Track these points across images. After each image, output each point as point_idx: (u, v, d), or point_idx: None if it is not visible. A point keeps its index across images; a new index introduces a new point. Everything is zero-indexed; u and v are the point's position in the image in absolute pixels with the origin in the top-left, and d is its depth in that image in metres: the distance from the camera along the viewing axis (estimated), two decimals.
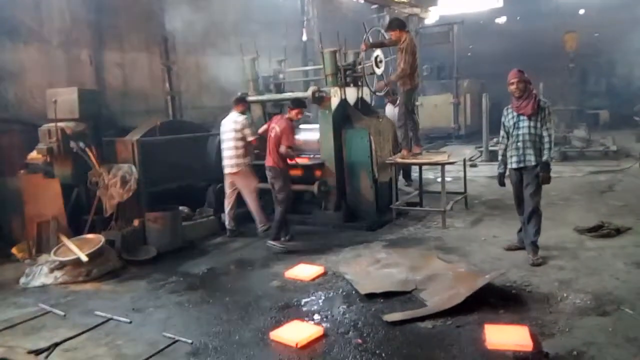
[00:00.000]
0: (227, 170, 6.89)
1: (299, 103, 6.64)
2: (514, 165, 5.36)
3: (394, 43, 7.22)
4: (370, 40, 7.43)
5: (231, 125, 6.83)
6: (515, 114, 5.32)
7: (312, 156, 7.54)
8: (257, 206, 6.89)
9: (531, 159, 5.22)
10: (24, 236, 6.38)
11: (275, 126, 6.45)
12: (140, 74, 9.58)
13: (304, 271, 5.38)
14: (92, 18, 8.67)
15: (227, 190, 7.01)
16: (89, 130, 6.77)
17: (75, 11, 8.39)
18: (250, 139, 6.81)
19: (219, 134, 7.64)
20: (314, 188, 6.97)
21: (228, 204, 7.02)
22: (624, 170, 10.02)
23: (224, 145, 6.90)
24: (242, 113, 6.97)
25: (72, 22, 8.36)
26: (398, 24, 7.20)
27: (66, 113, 6.65)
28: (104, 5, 8.84)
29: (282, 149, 6.33)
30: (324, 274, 5.32)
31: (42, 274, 5.58)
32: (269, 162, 6.45)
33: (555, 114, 11.31)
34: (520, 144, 5.25)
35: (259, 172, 6.88)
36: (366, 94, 7.78)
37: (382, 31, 7.88)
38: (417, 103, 7.85)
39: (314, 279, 5.18)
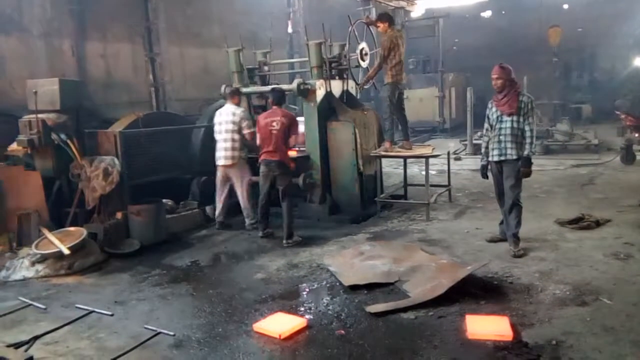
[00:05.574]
0: (222, 162, 6.78)
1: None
2: (495, 158, 5.40)
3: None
4: (357, 33, 7.53)
5: (229, 117, 6.77)
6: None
7: (297, 149, 7.53)
8: (247, 200, 6.86)
9: (512, 153, 5.27)
10: (5, 229, 6.27)
11: (276, 120, 6.17)
12: (124, 64, 9.48)
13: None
14: (74, 7, 8.54)
15: (219, 182, 6.91)
16: (70, 121, 6.65)
17: (57, 0, 8.25)
18: (246, 131, 6.75)
19: (204, 126, 7.60)
20: (299, 180, 6.97)
21: (220, 195, 6.94)
22: (605, 164, 10.17)
23: (219, 137, 6.80)
24: (238, 105, 6.97)
25: (53, 11, 8.23)
26: (385, 17, 7.35)
27: (47, 104, 6.52)
28: None
29: (292, 140, 6.31)
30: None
31: (23, 267, 5.52)
32: (274, 156, 6.18)
33: (539, 107, 11.44)
34: (502, 137, 5.30)
35: (253, 165, 6.85)
36: (351, 86, 7.78)
37: (367, 22, 7.93)
38: (404, 97, 7.92)
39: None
